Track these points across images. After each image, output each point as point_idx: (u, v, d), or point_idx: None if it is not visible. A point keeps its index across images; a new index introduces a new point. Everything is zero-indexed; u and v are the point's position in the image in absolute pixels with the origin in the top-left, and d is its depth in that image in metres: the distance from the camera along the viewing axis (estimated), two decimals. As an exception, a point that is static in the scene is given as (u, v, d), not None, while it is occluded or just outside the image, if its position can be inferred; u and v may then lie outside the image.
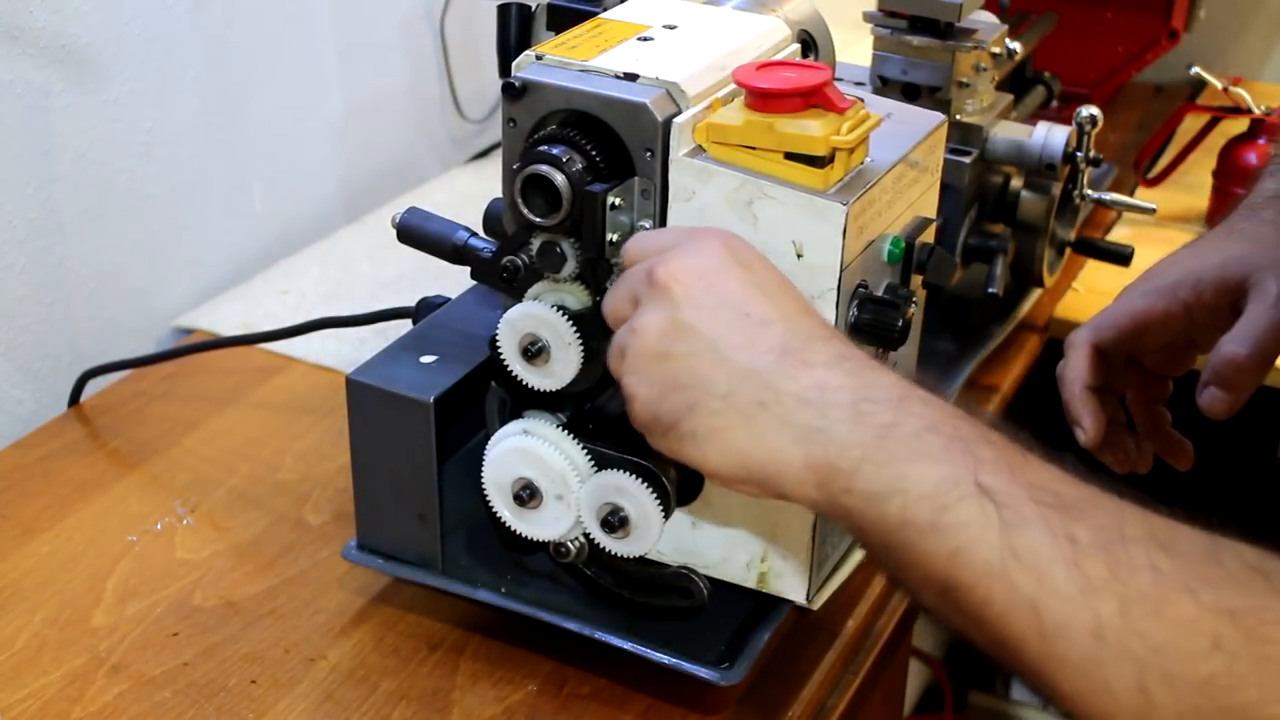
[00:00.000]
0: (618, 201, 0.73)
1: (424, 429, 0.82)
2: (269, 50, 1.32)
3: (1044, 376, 1.00)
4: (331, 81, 1.41)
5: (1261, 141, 1.38)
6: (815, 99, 0.72)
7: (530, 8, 0.88)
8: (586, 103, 0.73)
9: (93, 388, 1.12)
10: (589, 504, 0.77)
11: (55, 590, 0.91)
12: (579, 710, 0.82)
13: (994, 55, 1.14)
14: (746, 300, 0.64)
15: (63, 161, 1.12)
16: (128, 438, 1.07)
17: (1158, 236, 1.37)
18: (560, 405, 0.80)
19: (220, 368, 1.15)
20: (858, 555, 0.87)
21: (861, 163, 0.75)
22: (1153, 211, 1.21)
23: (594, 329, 0.75)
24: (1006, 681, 1.78)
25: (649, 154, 0.73)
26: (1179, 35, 1.63)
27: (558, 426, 0.79)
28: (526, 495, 0.79)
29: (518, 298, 0.78)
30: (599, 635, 0.82)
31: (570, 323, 0.75)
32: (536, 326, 0.76)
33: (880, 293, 0.78)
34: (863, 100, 0.76)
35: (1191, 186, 1.48)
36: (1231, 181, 1.38)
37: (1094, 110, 1.14)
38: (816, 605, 0.83)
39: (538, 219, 0.73)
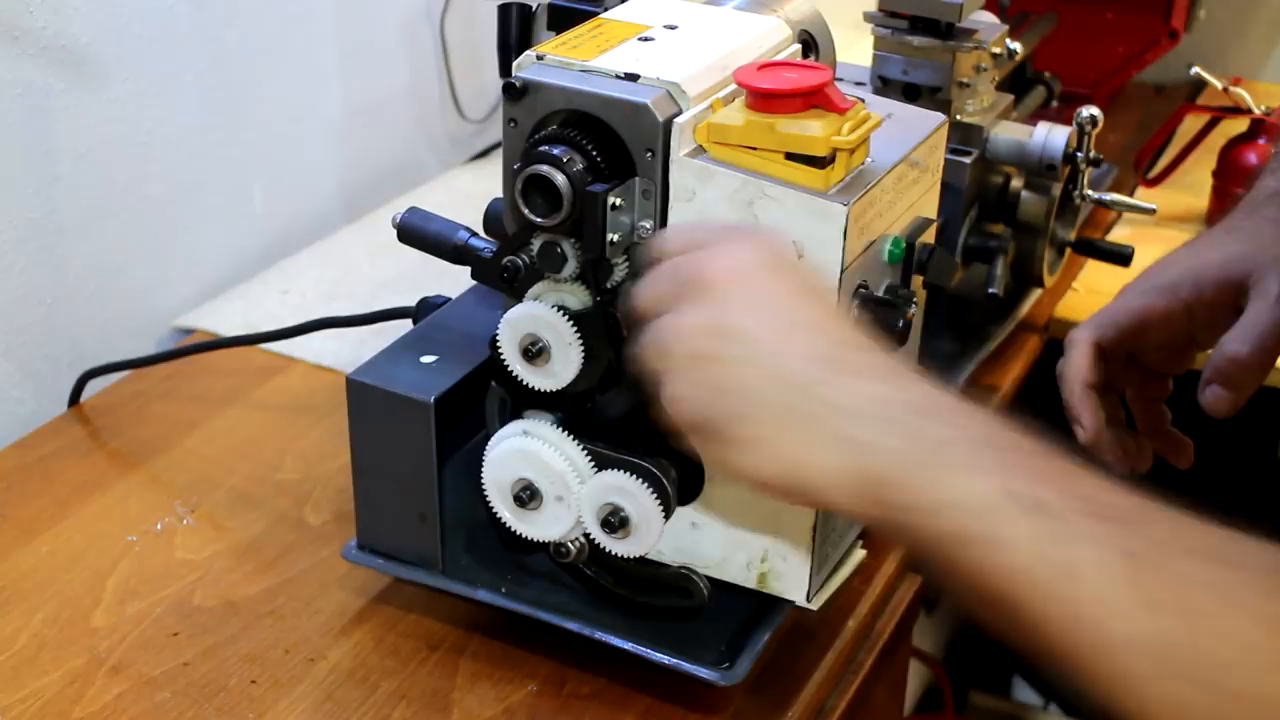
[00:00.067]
0: (618, 202, 0.73)
1: (424, 429, 0.82)
2: (269, 50, 1.32)
3: (1044, 376, 0.99)
4: (331, 82, 1.41)
5: (1261, 141, 1.38)
6: (816, 99, 0.72)
7: (531, 8, 0.88)
8: (587, 103, 0.73)
9: (93, 388, 1.12)
10: (589, 504, 0.77)
11: (55, 590, 0.91)
12: (579, 710, 0.82)
13: (994, 55, 1.14)
14: (793, 305, 0.63)
15: (63, 162, 1.12)
16: (128, 438, 1.07)
17: (1158, 236, 1.37)
18: (560, 405, 0.80)
19: (220, 368, 1.15)
20: (858, 555, 0.87)
21: (862, 163, 0.75)
22: (1153, 212, 1.20)
23: (595, 329, 0.75)
24: (1007, 682, 1.78)
25: (650, 154, 0.73)
26: (1179, 35, 1.62)
27: (558, 427, 0.79)
28: (527, 496, 0.79)
29: (518, 298, 0.78)
30: (599, 635, 0.82)
31: (571, 323, 0.75)
32: (537, 327, 0.76)
33: (881, 293, 0.78)
34: (863, 100, 0.76)
35: (1191, 187, 1.47)
36: (1231, 181, 1.38)
37: (1094, 110, 1.14)
38: (816, 605, 0.83)
39: (538, 219, 0.73)
